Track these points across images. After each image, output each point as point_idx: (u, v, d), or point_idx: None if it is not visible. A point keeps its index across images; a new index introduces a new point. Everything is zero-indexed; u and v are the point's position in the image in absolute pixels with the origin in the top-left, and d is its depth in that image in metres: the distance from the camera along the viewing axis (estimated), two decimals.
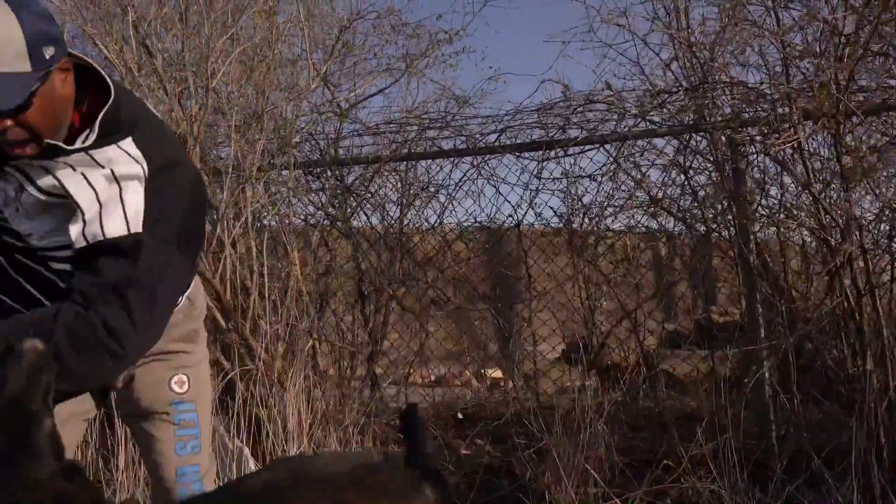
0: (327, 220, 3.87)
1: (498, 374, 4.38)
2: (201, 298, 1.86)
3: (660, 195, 3.53)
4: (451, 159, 3.70)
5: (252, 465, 2.96)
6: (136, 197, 1.46)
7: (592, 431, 2.96)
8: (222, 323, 3.18)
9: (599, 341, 3.87)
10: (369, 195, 3.96)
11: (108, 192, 1.45)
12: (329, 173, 3.85)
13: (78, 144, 1.45)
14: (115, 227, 1.43)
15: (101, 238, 1.42)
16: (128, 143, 1.48)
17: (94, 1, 3.46)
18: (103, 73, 1.52)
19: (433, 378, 4.45)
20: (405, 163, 3.82)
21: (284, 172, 3.63)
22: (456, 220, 3.81)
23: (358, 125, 4.07)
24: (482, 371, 4.40)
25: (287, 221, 3.55)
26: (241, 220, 3.17)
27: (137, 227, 1.44)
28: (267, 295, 3.23)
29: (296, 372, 3.16)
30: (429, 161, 3.81)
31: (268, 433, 3.02)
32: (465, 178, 3.69)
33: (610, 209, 3.63)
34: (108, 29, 3.32)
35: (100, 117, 1.44)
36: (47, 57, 1.40)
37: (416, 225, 3.89)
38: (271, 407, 3.08)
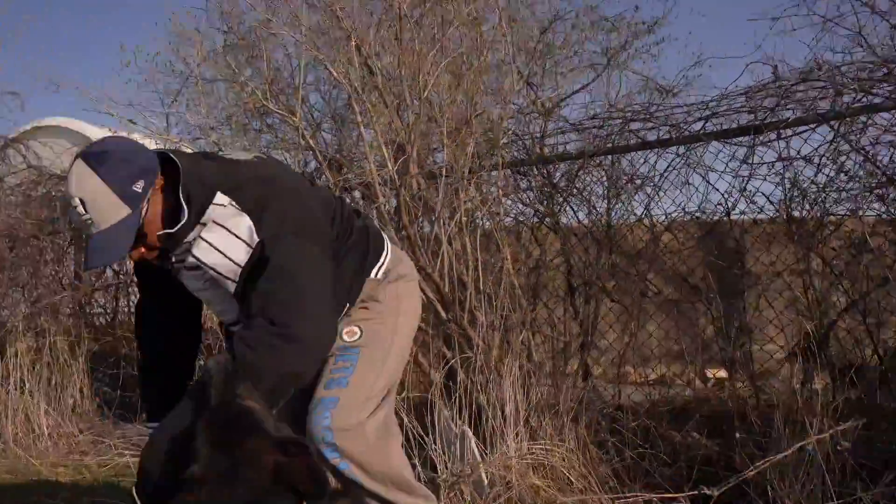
0: (536, 216, 4.02)
1: (723, 373, 4.23)
2: (397, 271, 2.04)
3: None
4: (656, 150, 3.69)
5: (474, 447, 3.18)
6: (241, 220, 1.71)
7: (822, 429, 2.83)
8: (443, 314, 3.45)
9: (830, 336, 3.64)
10: (575, 191, 4.04)
11: (220, 237, 1.73)
12: (535, 171, 4.00)
13: (178, 227, 1.75)
14: (238, 253, 1.71)
15: (238, 268, 1.71)
16: (218, 197, 1.73)
17: (323, 31, 3.89)
18: (173, 155, 1.79)
19: (652, 377, 4.38)
20: (609, 157, 3.86)
21: (494, 173, 3.84)
22: (663, 212, 3.78)
23: (562, 123, 4.17)
24: (704, 371, 4.27)
25: (498, 219, 3.75)
26: (455, 219, 3.41)
27: (254, 239, 1.70)
28: (482, 288, 3.44)
29: (511, 361, 3.34)
30: (633, 153, 3.82)
31: (487, 418, 3.23)
32: (671, 169, 3.66)
33: (833, 193, 3.41)
34: (336, 54, 3.71)
35: (183, 201, 1.73)
36: (139, 191, 1.68)
37: (623, 219, 3.91)
38: (489, 393, 3.28)
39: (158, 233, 1.76)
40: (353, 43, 3.73)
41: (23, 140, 9.02)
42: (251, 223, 1.70)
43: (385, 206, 3.52)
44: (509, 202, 4.02)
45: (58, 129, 11.48)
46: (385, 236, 2.11)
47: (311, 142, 3.89)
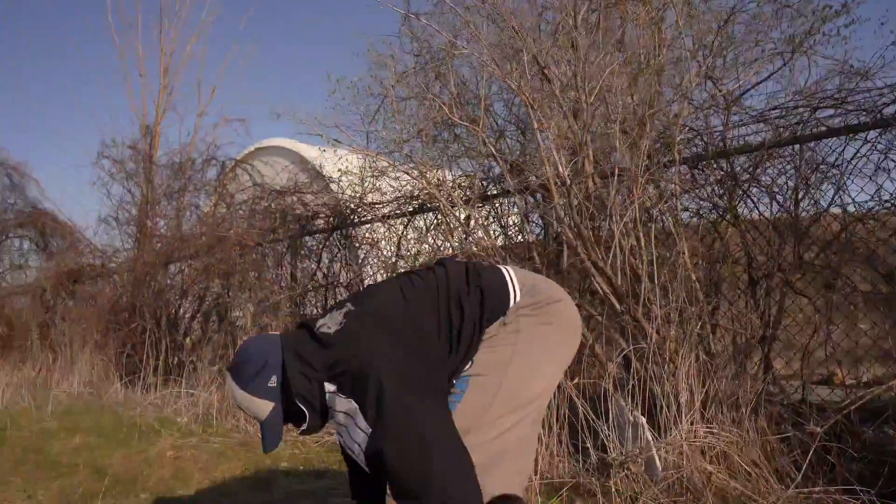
0: (715, 211, 4.00)
1: None
2: (518, 311, 2.04)
3: None
4: (843, 138, 3.55)
5: (649, 436, 3.27)
6: (351, 405, 1.89)
7: None
8: (617, 306, 3.56)
9: None
10: (756, 183, 3.96)
11: (341, 423, 1.94)
12: (715, 165, 3.98)
13: (305, 426, 2.00)
14: (358, 436, 1.87)
15: (361, 452, 1.89)
16: (327, 387, 1.95)
17: (502, 46, 4.16)
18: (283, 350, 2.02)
19: (863, 379, 4.12)
20: (793, 147, 3.75)
21: (672, 169, 3.88)
22: (853, 201, 3.61)
23: (742, 116, 4.10)
24: None
25: (674, 214, 3.79)
26: (628, 216, 3.51)
27: (366, 426, 1.85)
28: (657, 282, 3.51)
29: (686, 352, 3.38)
30: (819, 141, 3.69)
31: (661, 406, 3.30)
32: (860, 156, 3.50)
33: None
34: (513, 67, 3.96)
35: (301, 405, 1.95)
36: (275, 385, 1.97)
37: (808, 209, 3.78)
38: (664, 383, 3.35)
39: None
40: (529, 55, 3.96)
41: (248, 161, 10.22)
42: (357, 407, 1.87)
43: (561, 205, 3.70)
44: (688, 197, 4.03)
45: (276, 149, 12.83)
46: (510, 285, 2.08)
47: (492, 148, 4.17)
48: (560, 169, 3.56)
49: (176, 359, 7.63)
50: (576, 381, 3.37)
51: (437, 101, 4.14)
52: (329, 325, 2.01)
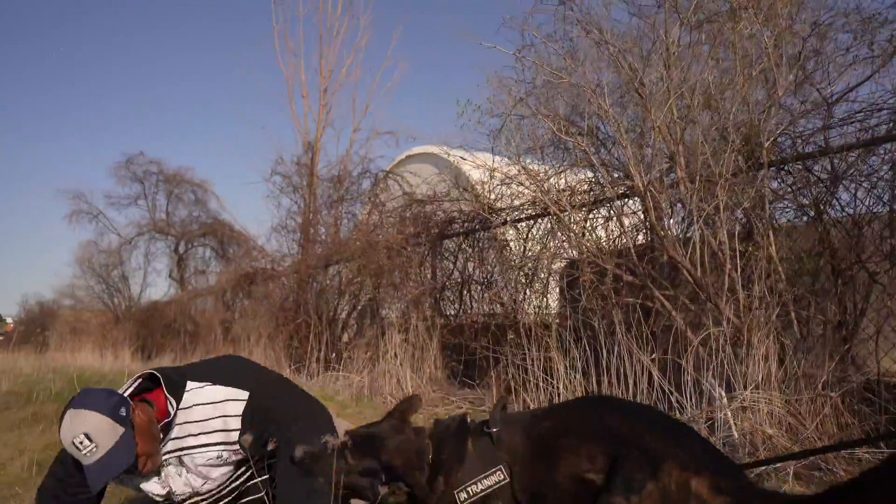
0: (801, 210, 4.35)
1: None
2: None
3: None
4: None
5: (725, 401, 3.73)
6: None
7: None
8: (700, 293, 4.04)
9: None
10: (855, 178, 4.24)
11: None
12: (801, 167, 4.33)
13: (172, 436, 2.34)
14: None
15: None
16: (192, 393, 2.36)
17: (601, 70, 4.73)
18: (158, 374, 2.35)
19: None
20: (890, 143, 3.99)
21: (760, 172, 4.28)
22: None
23: (840, 117, 4.39)
24: None
25: (759, 215, 4.18)
26: (704, 215, 3.98)
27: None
28: (737, 273, 3.95)
29: (763, 336, 3.80)
30: None
31: (737, 381, 3.75)
32: None
33: None
34: (606, 91, 4.53)
35: (170, 421, 2.32)
36: (125, 414, 2.17)
37: None
38: (743, 363, 3.79)
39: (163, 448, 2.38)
40: (627, 77, 4.51)
41: (397, 170, 11.23)
42: None
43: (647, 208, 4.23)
44: (774, 196, 4.40)
45: (424, 156, 13.77)
46: None
47: (592, 158, 4.75)
48: (639, 178, 4.08)
49: (335, 351, 8.68)
50: (654, 356, 3.88)
51: (546, 121, 4.76)
52: None
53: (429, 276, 7.69)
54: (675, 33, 4.66)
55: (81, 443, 2.09)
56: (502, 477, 1.97)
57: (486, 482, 1.99)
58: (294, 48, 12.82)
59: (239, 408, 2.36)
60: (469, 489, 2.00)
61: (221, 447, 2.39)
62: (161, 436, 2.32)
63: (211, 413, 2.36)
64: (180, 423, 2.35)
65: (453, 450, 2.11)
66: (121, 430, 2.14)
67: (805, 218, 4.32)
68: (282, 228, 12.00)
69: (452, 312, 7.35)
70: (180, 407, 2.34)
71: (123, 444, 2.13)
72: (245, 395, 2.37)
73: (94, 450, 2.10)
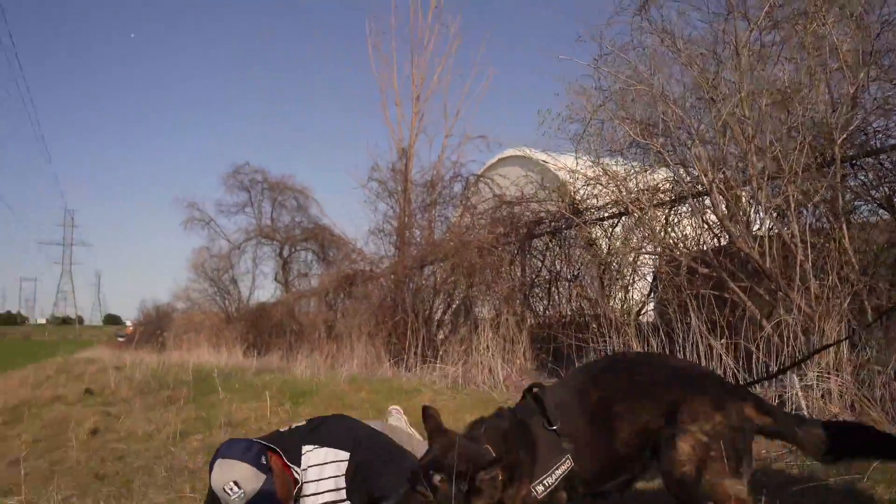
0: (875, 202, 4.50)
1: None
2: None
3: None
4: None
5: (797, 382, 3.95)
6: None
7: None
8: (770, 283, 4.27)
9: None
10: None
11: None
12: (874, 161, 4.49)
13: None
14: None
15: None
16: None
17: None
18: (278, 449, 2.69)
19: None
20: None
21: (832, 167, 4.46)
22: None
23: None
24: None
25: (832, 209, 4.37)
26: (776, 209, 4.21)
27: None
28: (810, 263, 4.16)
29: (833, 324, 4.01)
30: None
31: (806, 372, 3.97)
32: None
33: None
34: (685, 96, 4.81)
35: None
36: (265, 462, 2.52)
37: None
38: (811, 346, 4.01)
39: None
40: (697, 78, 4.78)
41: (488, 174, 11.64)
42: None
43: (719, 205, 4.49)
44: (847, 191, 4.57)
45: (512, 159, 14.13)
46: None
47: (668, 159, 5.03)
48: (706, 177, 4.36)
49: (431, 347, 9.19)
50: (722, 340, 4.15)
51: (623, 125, 5.09)
52: None
53: (518, 273, 8.08)
54: (745, 36, 4.89)
55: (231, 489, 2.44)
56: (570, 464, 2.16)
57: (558, 472, 2.15)
58: (386, 58, 13.35)
59: (343, 467, 2.74)
60: (545, 482, 2.15)
61: (333, 494, 2.75)
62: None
63: (319, 474, 2.73)
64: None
65: (524, 448, 2.21)
66: (263, 476, 2.51)
67: (880, 211, 4.48)
68: (378, 232, 12.63)
69: (541, 307, 7.72)
70: (302, 468, 2.72)
71: (266, 488, 2.50)
72: (346, 455, 2.76)
73: (242, 495, 2.43)
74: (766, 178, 4.28)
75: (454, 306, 9.68)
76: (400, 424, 3.76)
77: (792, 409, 3.79)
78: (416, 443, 3.25)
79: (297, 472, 2.69)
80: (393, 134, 13.42)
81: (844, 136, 4.49)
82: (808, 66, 4.90)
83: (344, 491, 2.72)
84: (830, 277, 4.15)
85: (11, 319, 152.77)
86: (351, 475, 2.71)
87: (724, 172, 4.60)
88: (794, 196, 4.29)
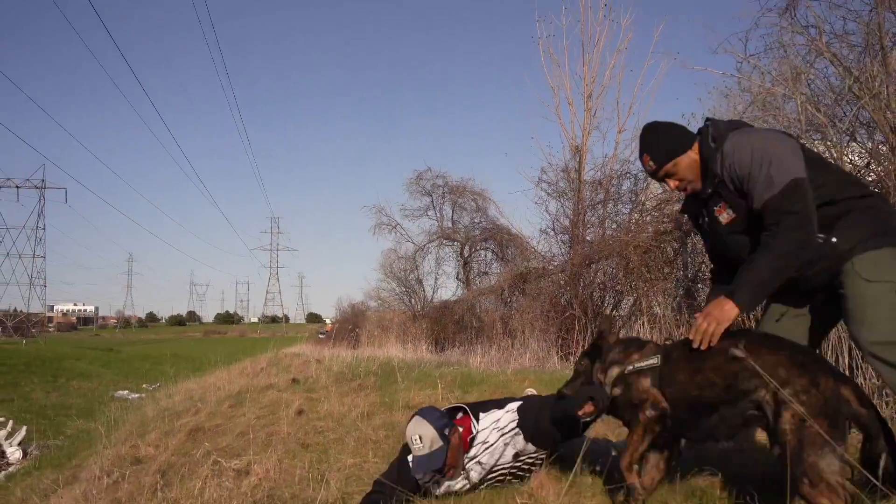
0: None
1: None
2: None
3: None
4: None
5: None
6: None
7: None
8: None
9: None
10: None
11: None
12: None
13: None
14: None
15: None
16: None
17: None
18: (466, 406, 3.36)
19: None
20: None
21: None
22: None
23: None
24: None
25: None
26: None
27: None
28: None
29: None
30: None
31: None
32: None
33: None
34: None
35: None
36: (447, 433, 3.02)
37: None
38: None
39: None
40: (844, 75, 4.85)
41: None
42: None
43: None
44: None
45: None
46: None
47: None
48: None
49: None
50: None
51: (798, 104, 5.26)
52: None
53: (681, 270, 8.22)
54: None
55: (415, 440, 3.02)
56: (657, 361, 2.68)
57: (647, 362, 2.71)
58: (558, 59, 13.68)
59: (511, 416, 3.25)
60: (636, 364, 2.74)
61: (498, 434, 3.24)
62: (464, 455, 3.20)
63: (494, 426, 3.26)
64: (478, 442, 3.24)
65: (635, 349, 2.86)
66: (440, 443, 3.03)
67: None
68: (550, 230, 13.06)
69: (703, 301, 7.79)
70: (480, 428, 3.26)
71: (438, 453, 3.02)
72: (515, 406, 3.31)
73: (421, 448, 3.00)
74: None
75: (623, 303, 9.93)
76: None
77: None
78: None
79: (474, 424, 3.26)
80: (566, 133, 13.69)
81: None
82: None
83: (510, 433, 3.20)
84: None
85: (229, 319, 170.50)
86: (521, 412, 3.24)
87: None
88: None
